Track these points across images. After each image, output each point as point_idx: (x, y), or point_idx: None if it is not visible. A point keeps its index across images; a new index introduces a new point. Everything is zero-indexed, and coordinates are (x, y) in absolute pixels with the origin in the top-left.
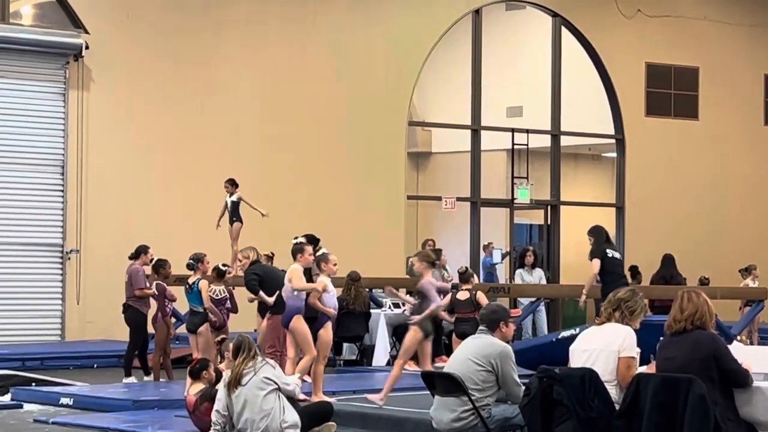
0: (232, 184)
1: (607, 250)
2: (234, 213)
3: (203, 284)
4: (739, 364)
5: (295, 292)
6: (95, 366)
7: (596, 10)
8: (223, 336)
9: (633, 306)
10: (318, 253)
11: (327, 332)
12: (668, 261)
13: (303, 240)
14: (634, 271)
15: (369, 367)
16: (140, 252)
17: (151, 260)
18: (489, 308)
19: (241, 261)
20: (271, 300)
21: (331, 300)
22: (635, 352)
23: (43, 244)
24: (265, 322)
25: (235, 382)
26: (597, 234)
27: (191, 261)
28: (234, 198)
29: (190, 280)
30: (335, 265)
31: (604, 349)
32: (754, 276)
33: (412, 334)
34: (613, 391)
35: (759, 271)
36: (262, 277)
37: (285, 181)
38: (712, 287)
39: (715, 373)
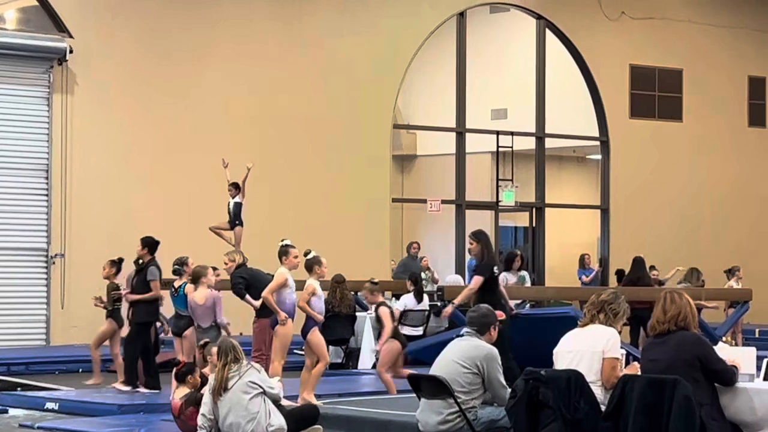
0: (235, 187)
1: (495, 267)
2: (236, 216)
3: (189, 288)
4: (725, 362)
5: (286, 297)
6: (80, 370)
7: (580, 13)
8: (206, 340)
9: (616, 308)
10: (308, 256)
11: (314, 335)
12: (638, 264)
13: (289, 242)
14: (621, 274)
15: (355, 370)
16: None
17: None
18: (479, 311)
19: (227, 264)
20: (257, 303)
21: (318, 304)
22: (619, 353)
23: (27, 248)
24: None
25: (220, 388)
26: (488, 241)
27: (176, 266)
28: (237, 199)
29: (176, 284)
30: (323, 267)
31: (588, 350)
32: (738, 277)
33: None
34: (598, 392)
35: (743, 272)
36: (249, 281)
37: (270, 183)
38: (698, 288)
39: (700, 374)
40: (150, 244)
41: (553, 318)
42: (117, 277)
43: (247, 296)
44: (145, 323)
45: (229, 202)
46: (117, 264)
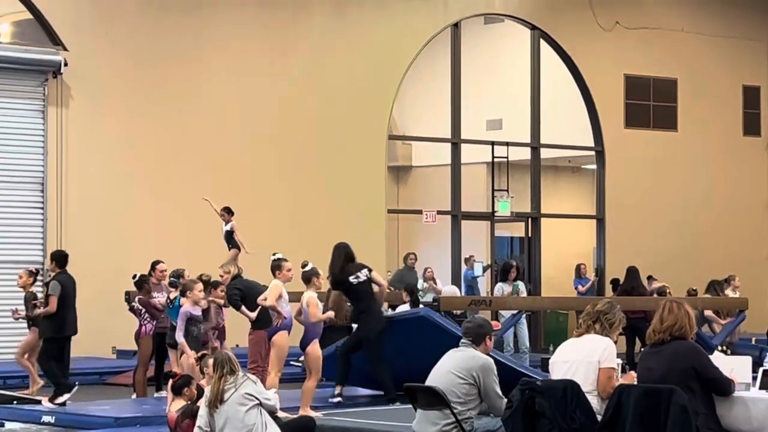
0: (228, 212)
1: (351, 277)
2: (228, 242)
3: (184, 300)
4: (721, 371)
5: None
6: (77, 384)
7: (575, 23)
8: (203, 352)
9: (612, 318)
10: (306, 268)
11: (314, 348)
12: (632, 273)
13: (281, 256)
14: (616, 284)
15: None
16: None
17: (134, 276)
18: (475, 322)
19: (223, 277)
20: (253, 315)
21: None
22: (615, 362)
23: (23, 261)
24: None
25: (216, 400)
26: (336, 253)
27: (173, 278)
28: (227, 228)
29: (172, 296)
30: (321, 279)
31: (584, 359)
32: (734, 286)
33: None
34: (594, 402)
35: (739, 281)
36: (244, 292)
37: (265, 194)
38: (693, 298)
39: (696, 383)
40: (58, 258)
41: (407, 319)
42: (33, 287)
43: (243, 308)
44: (49, 339)
45: (222, 229)
46: (34, 274)
